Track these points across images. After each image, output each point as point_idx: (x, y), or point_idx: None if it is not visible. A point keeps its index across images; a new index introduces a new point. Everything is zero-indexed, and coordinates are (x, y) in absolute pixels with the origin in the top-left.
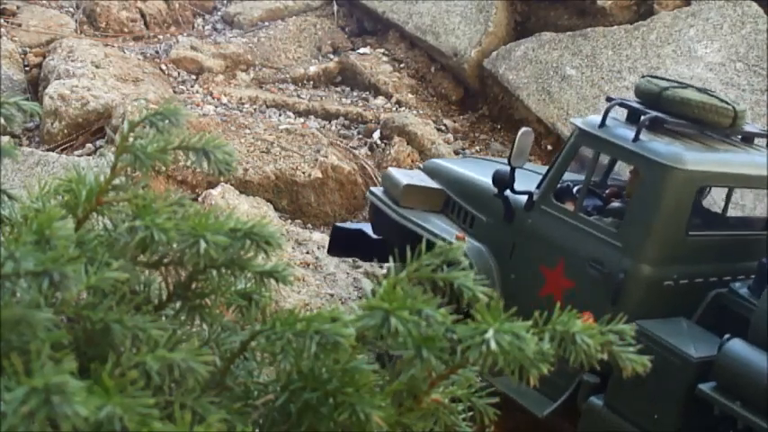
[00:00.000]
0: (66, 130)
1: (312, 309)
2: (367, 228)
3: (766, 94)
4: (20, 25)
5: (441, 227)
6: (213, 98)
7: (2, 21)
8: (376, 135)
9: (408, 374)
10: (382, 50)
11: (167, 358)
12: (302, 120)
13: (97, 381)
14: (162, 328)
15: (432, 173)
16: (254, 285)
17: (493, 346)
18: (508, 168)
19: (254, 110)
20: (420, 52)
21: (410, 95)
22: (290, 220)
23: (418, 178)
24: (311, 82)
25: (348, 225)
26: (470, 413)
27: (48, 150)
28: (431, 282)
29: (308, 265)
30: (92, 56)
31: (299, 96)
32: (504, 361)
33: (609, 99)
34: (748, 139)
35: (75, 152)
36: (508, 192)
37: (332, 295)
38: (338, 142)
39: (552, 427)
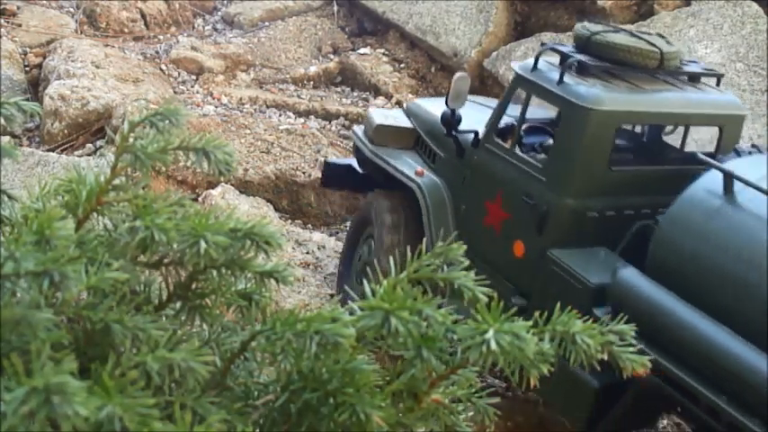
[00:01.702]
0: (66, 131)
1: (312, 309)
2: (354, 163)
3: (766, 94)
4: (20, 25)
5: (405, 163)
6: (213, 98)
7: (2, 21)
8: None
9: (408, 374)
10: (382, 50)
11: (167, 358)
12: (302, 120)
13: (97, 381)
14: (162, 328)
15: (409, 112)
16: (255, 285)
17: (493, 346)
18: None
19: (255, 110)
20: (420, 52)
21: (410, 96)
22: (290, 221)
23: (393, 118)
24: (311, 82)
25: (338, 160)
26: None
27: (48, 150)
28: (430, 282)
29: (309, 265)
30: (92, 56)
31: (299, 96)
32: (505, 361)
33: (543, 44)
34: (695, 78)
35: (76, 152)
36: (461, 131)
37: (332, 295)
38: (338, 142)
39: (553, 426)
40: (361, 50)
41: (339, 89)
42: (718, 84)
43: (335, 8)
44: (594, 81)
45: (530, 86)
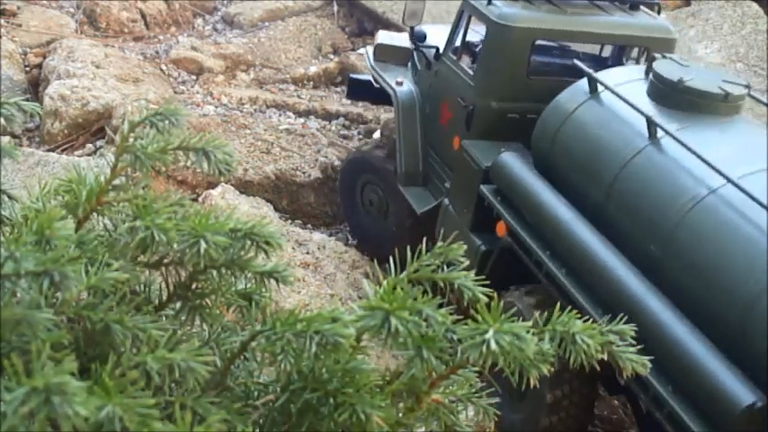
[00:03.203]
0: (66, 131)
1: (312, 309)
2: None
3: (766, 94)
4: (20, 25)
5: (392, 75)
6: (213, 98)
7: (2, 21)
8: (376, 135)
9: (408, 374)
10: None
11: (167, 358)
12: (302, 120)
13: (97, 381)
14: (162, 328)
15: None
16: (255, 286)
17: (493, 346)
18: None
19: (255, 110)
20: None
21: None
22: (290, 221)
23: (395, 39)
24: (311, 82)
25: (360, 76)
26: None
27: (48, 150)
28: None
29: (308, 265)
30: (92, 56)
31: (299, 96)
32: (504, 361)
33: None
34: (635, 6)
35: (76, 152)
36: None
37: (332, 295)
38: (338, 142)
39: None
40: (361, 50)
41: (339, 89)
42: (658, 13)
43: (335, 8)
44: (519, 3)
45: (470, 8)
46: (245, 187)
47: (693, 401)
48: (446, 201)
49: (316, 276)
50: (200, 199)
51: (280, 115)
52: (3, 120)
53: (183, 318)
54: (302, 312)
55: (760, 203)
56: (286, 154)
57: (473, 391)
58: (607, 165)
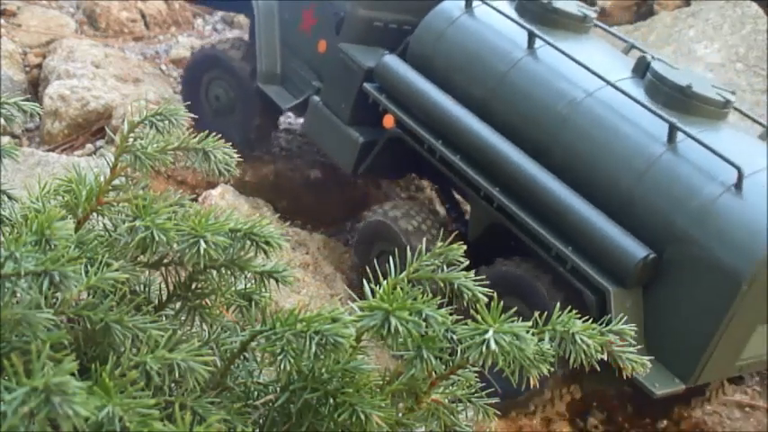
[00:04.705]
0: (66, 131)
1: (312, 309)
2: None
3: (766, 94)
4: (20, 25)
5: None
6: None
7: (2, 21)
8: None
9: (408, 374)
10: None
11: (167, 358)
12: (302, 120)
13: (97, 381)
14: (162, 328)
15: None
16: (254, 286)
17: (493, 346)
18: None
19: None
20: None
21: None
22: (289, 221)
23: None
24: None
25: None
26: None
27: (48, 151)
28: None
29: (308, 265)
30: (92, 56)
31: None
32: (504, 361)
33: None
34: None
35: (76, 152)
36: None
37: (332, 296)
38: None
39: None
40: None
41: None
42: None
43: None
44: None
45: None
46: (244, 188)
47: (593, 259)
48: (315, 98)
49: (315, 277)
50: (199, 199)
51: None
52: (3, 120)
53: (183, 318)
54: (302, 312)
55: (637, 101)
56: (285, 154)
57: (473, 391)
58: (492, 68)
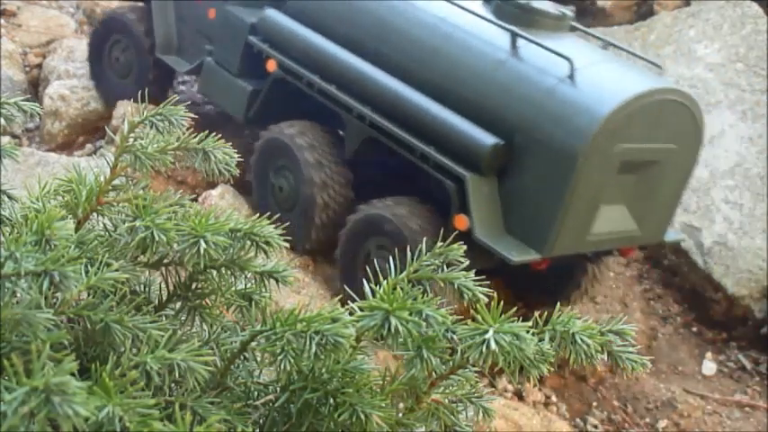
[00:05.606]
0: (66, 131)
1: (312, 309)
2: None
3: (766, 94)
4: (20, 25)
5: None
6: None
7: (2, 21)
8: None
9: (408, 374)
10: None
11: (167, 358)
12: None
13: (97, 381)
14: (162, 328)
15: None
16: (254, 286)
17: (493, 346)
18: None
19: None
20: None
21: None
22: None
23: None
24: None
25: None
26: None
27: (48, 151)
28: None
29: (308, 265)
30: None
31: None
32: (504, 361)
33: None
34: None
35: (76, 152)
36: None
37: (332, 296)
38: None
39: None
40: None
41: None
42: None
43: None
44: None
45: None
46: (244, 188)
47: (451, 152)
48: (208, 59)
49: (315, 277)
50: (200, 199)
51: None
52: (3, 120)
53: (183, 318)
54: (302, 312)
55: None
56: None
57: (473, 391)
58: (365, 10)
